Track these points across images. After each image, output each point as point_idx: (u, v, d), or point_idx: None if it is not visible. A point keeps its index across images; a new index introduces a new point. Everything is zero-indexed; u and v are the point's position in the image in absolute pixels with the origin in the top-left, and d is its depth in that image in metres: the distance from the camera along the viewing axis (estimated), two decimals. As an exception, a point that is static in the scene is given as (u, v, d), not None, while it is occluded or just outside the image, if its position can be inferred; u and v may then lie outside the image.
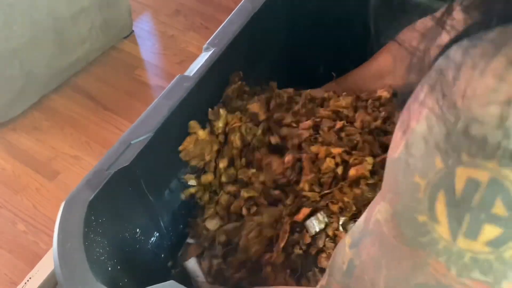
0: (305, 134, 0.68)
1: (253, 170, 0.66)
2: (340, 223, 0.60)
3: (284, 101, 0.74)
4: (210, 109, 0.68)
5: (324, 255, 0.59)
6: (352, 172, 0.62)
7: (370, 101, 0.72)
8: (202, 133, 0.64)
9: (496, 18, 0.23)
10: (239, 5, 0.73)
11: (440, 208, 0.24)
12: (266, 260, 0.61)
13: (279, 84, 0.77)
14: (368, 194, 0.61)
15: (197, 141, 0.64)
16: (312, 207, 0.62)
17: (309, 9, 0.81)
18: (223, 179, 0.67)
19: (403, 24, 0.31)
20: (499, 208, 0.22)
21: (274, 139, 0.69)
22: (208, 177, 0.67)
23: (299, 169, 0.65)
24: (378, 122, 0.68)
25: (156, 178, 0.62)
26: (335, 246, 0.59)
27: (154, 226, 0.64)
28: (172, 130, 0.61)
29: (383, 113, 0.69)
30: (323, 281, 0.41)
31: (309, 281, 0.59)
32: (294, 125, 0.70)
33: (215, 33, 0.69)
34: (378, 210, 0.30)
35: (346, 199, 0.61)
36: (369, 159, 0.63)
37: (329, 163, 0.63)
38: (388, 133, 0.68)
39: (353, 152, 0.65)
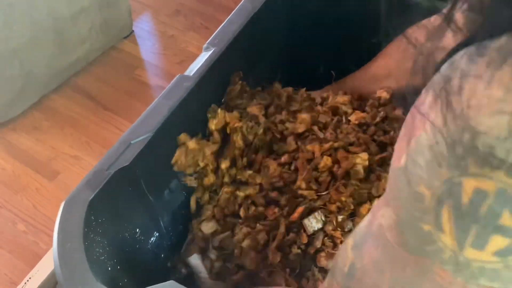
0: (301, 128, 0.68)
1: (250, 172, 0.66)
2: (338, 221, 0.60)
3: (283, 101, 0.74)
4: (212, 105, 0.68)
5: (323, 254, 0.59)
6: (340, 171, 0.62)
7: (370, 101, 0.72)
8: (191, 143, 0.63)
9: (502, 24, 0.22)
10: (239, 5, 0.73)
11: (446, 218, 0.24)
12: (263, 263, 0.61)
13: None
14: (363, 191, 0.62)
15: (187, 151, 0.64)
16: (309, 205, 0.62)
17: (309, 9, 0.81)
18: (226, 179, 0.67)
19: (413, 22, 0.31)
20: (506, 219, 0.22)
21: (276, 133, 0.69)
22: (210, 179, 0.67)
23: (295, 168, 0.66)
24: (376, 120, 0.68)
25: (156, 178, 0.62)
26: (333, 245, 0.59)
27: (154, 226, 0.64)
28: (172, 130, 0.61)
29: (381, 113, 0.69)
30: (325, 282, 0.41)
31: (308, 280, 0.59)
32: (291, 119, 0.70)
33: (215, 33, 0.69)
34: (381, 215, 0.30)
35: (343, 198, 0.61)
36: (363, 155, 0.63)
37: (326, 161, 0.63)
38: (387, 132, 0.68)
39: (349, 147, 0.65)
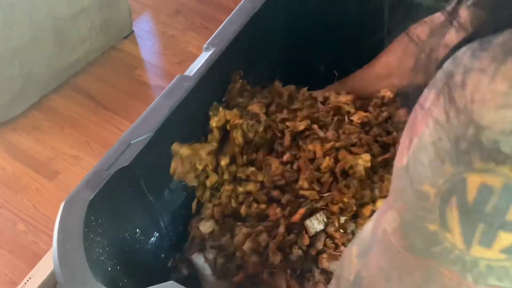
0: (302, 126, 0.68)
1: (252, 169, 0.66)
2: (340, 222, 0.60)
3: (285, 101, 0.74)
4: (214, 103, 0.68)
5: (325, 255, 0.59)
6: (336, 169, 0.62)
7: (374, 100, 0.71)
8: (184, 150, 0.63)
9: (506, 20, 0.22)
10: (239, 5, 0.73)
11: (452, 216, 0.23)
12: (264, 264, 0.61)
13: (279, 84, 0.77)
14: (365, 191, 0.61)
15: (182, 159, 0.63)
16: (311, 206, 0.62)
17: (309, 9, 0.81)
18: (225, 176, 0.67)
19: (415, 20, 0.31)
20: None
21: (277, 132, 0.69)
22: (212, 179, 0.66)
23: (297, 167, 0.65)
24: (379, 121, 0.68)
25: (156, 178, 0.62)
26: (335, 247, 0.59)
27: (154, 226, 0.64)
28: (172, 130, 0.61)
29: (385, 113, 0.69)
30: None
31: (309, 281, 0.59)
32: (292, 118, 0.70)
33: (215, 33, 0.69)
34: (385, 220, 0.29)
35: (346, 199, 0.60)
36: (365, 156, 0.62)
37: (328, 161, 0.63)
38: (390, 133, 0.68)
39: (351, 148, 0.64)
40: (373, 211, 0.60)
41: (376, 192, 0.62)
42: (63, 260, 0.47)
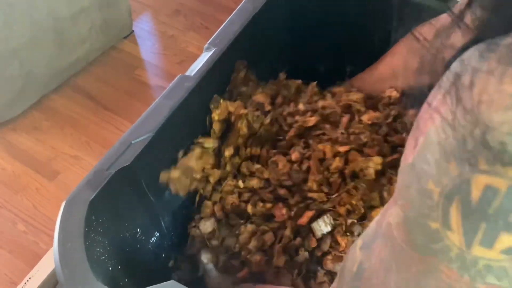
0: (311, 122, 0.67)
1: (258, 166, 0.65)
2: (347, 225, 0.59)
3: (292, 93, 0.73)
4: (215, 96, 0.67)
5: (329, 257, 0.58)
6: (346, 171, 0.61)
7: (383, 99, 0.70)
8: (174, 174, 0.62)
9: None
10: (240, 5, 0.73)
11: (455, 215, 0.23)
12: (269, 263, 0.61)
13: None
14: (374, 194, 0.61)
15: (177, 181, 0.63)
16: (318, 208, 0.61)
17: (309, 9, 0.81)
18: (228, 168, 0.66)
19: (419, 21, 0.31)
20: None
21: (284, 126, 0.68)
22: (215, 176, 0.66)
23: (306, 167, 0.64)
24: (389, 120, 0.67)
25: (157, 178, 0.62)
26: (340, 248, 0.59)
27: (154, 226, 0.64)
28: (173, 130, 0.61)
29: (393, 111, 0.68)
30: (334, 283, 0.40)
31: (315, 281, 0.59)
32: (300, 113, 0.69)
33: (216, 33, 0.69)
34: (390, 214, 0.30)
35: (354, 201, 0.60)
36: (376, 159, 0.62)
37: (338, 162, 0.62)
38: (398, 132, 0.67)
39: (363, 149, 0.63)
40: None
41: (385, 194, 0.61)
42: (64, 259, 0.47)
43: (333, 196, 0.61)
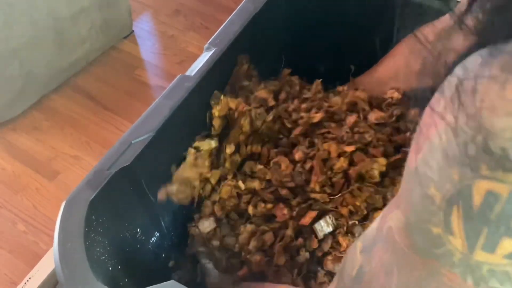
0: (316, 118, 0.66)
1: (260, 166, 0.65)
2: (349, 225, 0.59)
3: (296, 90, 0.73)
4: (215, 92, 0.67)
5: (330, 257, 0.58)
6: (352, 172, 0.61)
7: (386, 100, 0.70)
8: (170, 188, 0.62)
9: None
10: (240, 5, 0.73)
11: (456, 221, 0.24)
12: (269, 263, 0.61)
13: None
14: (378, 196, 0.60)
15: (178, 193, 0.63)
16: (321, 208, 0.61)
17: (309, 9, 0.81)
18: (227, 165, 0.66)
19: (419, 22, 0.31)
20: None
21: (288, 123, 0.67)
22: (215, 176, 0.66)
23: (309, 167, 0.63)
24: (392, 120, 0.67)
25: (157, 178, 0.62)
26: (341, 248, 0.59)
27: (154, 226, 0.64)
28: (173, 130, 0.61)
29: (396, 111, 0.68)
30: (332, 285, 0.40)
31: (316, 281, 0.59)
32: (305, 107, 0.68)
33: (216, 33, 0.69)
34: (391, 218, 0.30)
35: (357, 203, 0.59)
36: (381, 160, 0.61)
37: (342, 162, 0.61)
38: (402, 132, 0.67)
39: (368, 148, 0.63)
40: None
41: (388, 196, 0.61)
42: (64, 259, 0.47)
43: (336, 196, 0.61)
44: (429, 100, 0.26)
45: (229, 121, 0.67)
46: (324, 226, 0.59)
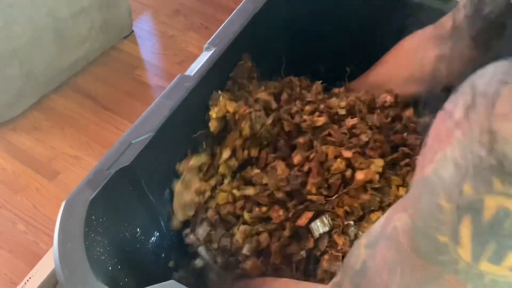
0: (320, 122, 0.66)
1: (257, 171, 0.65)
2: (344, 225, 0.59)
3: (297, 91, 0.72)
4: (214, 93, 0.67)
5: (326, 257, 0.58)
6: (360, 176, 0.60)
7: (381, 102, 0.70)
8: (176, 222, 0.63)
9: None
10: (240, 5, 0.73)
11: (465, 232, 0.24)
12: (266, 264, 0.61)
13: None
14: (376, 199, 0.60)
15: (182, 217, 0.64)
16: (317, 209, 0.61)
17: (310, 9, 0.81)
18: (221, 169, 0.65)
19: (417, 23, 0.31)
20: None
21: (287, 126, 0.67)
22: (211, 184, 0.66)
23: (307, 169, 0.63)
24: (388, 120, 0.67)
25: (157, 178, 0.62)
26: (338, 248, 0.59)
27: (154, 226, 0.64)
28: (173, 130, 0.61)
29: (391, 112, 0.68)
30: (336, 278, 0.41)
31: (315, 278, 0.59)
32: (308, 110, 0.68)
33: (216, 33, 0.69)
34: (397, 218, 0.30)
35: (355, 204, 0.59)
36: (378, 161, 0.61)
37: (339, 164, 0.61)
38: (398, 132, 0.67)
39: (365, 150, 0.63)
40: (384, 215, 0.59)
41: (385, 198, 0.60)
42: (64, 259, 0.47)
43: (332, 198, 0.61)
44: (437, 105, 0.27)
45: (227, 123, 0.67)
46: (320, 226, 0.59)
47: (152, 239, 0.64)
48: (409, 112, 0.68)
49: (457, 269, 0.25)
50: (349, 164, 0.62)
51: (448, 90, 0.27)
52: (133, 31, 1.39)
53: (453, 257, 0.25)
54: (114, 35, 1.33)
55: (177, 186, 0.64)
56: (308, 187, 0.61)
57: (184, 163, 0.64)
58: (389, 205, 0.60)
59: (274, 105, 0.67)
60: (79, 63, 1.26)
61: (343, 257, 0.58)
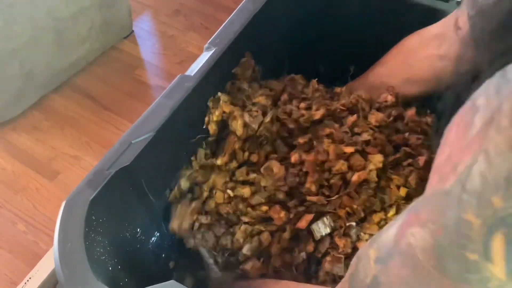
0: (317, 115, 0.66)
1: (254, 175, 0.63)
2: (346, 226, 0.59)
3: (298, 90, 0.72)
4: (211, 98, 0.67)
5: (328, 258, 0.58)
6: (354, 178, 0.60)
7: (383, 102, 0.70)
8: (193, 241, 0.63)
9: None
10: (240, 5, 0.73)
11: (497, 248, 0.23)
12: (267, 265, 0.60)
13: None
14: (376, 199, 0.60)
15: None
16: (318, 210, 0.60)
17: (310, 10, 0.81)
18: (222, 174, 0.65)
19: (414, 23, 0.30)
20: None
21: (289, 122, 0.66)
22: (210, 184, 0.66)
23: (306, 169, 0.62)
24: (390, 119, 0.66)
25: (157, 178, 0.62)
26: (338, 249, 0.58)
27: (154, 226, 0.64)
28: (173, 130, 0.61)
29: (394, 112, 0.68)
30: (340, 286, 0.40)
31: (317, 280, 0.59)
32: (304, 106, 0.68)
33: (216, 33, 0.69)
34: (411, 234, 0.29)
35: (355, 206, 0.59)
36: (377, 157, 0.61)
37: (341, 165, 0.60)
38: (400, 132, 0.67)
39: (366, 148, 0.62)
40: (383, 220, 0.59)
41: (386, 199, 0.60)
42: (64, 259, 0.47)
43: (333, 198, 0.60)
44: (439, 105, 0.26)
45: (226, 125, 0.67)
46: (322, 227, 0.59)
47: (152, 239, 0.64)
48: (411, 112, 0.68)
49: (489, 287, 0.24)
50: (350, 166, 0.61)
51: (452, 91, 0.26)
52: (133, 31, 1.39)
53: (485, 275, 0.24)
54: (114, 35, 1.33)
55: (173, 222, 0.64)
56: (307, 185, 0.61)
57: (176, 191, 0.65)
58: (391, 206, 0.60)
59: (271, 108, 0.67)
60: (79, 63, 1.26)
61: (345, 258, 0.57)
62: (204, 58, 0.66)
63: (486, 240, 0.23)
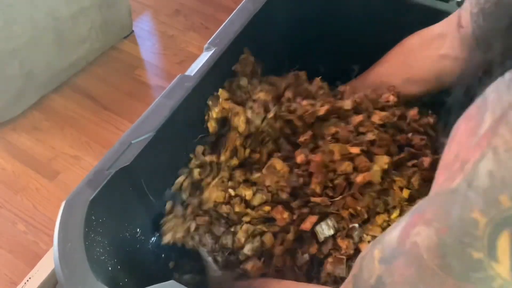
0: (322, 110, 0.65)
1: (258, 175, 0.63)
2: (349, 228, 0.59)
3: (303, 87, 0.71)
4: (210, 97, 0.67)
5: (330, 259, 0.57)
6: (358, 179, 0.59)
7: (386, 101, 0.69)
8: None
9: None
10: (240, 5, 0.73)
11: (503, 248, 0.23)
12: (268, 265, 0.60)
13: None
14: (378, 200, 0.60)
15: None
16: (321, 211, 0.60)
17: (309, 9, 0.81)
18: (223, 171, 0.64)
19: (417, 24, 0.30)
20: None
21: (295, 119, 0.65)
22: (210, 179, 0.65)
23: (310, 170, 0.62)
24: (394, 119, 0.66)
25: (157, 178, 0.62)
26: (342, 251, 0.58)
27: (154, 226, 0.64)
28: (173, 130, 0.61)
29: (397, 111, 0.67)
30: (344, 286, 0.40)
31: (318, 281, 0.59)
32: (307, 102, 0.67)
33: (216, 33, 0.69)
34: (417, 233, 0.29)
35: (358, 207, 0.58)
36: (383, 158, 0.60)
37: (347, 166, 0.60)
38: (403, 131, 0.67)
39: (372, 148, 0.62)
40: (386, 222, 0.59)
41: (390, 200, 0.60)
42: (64, 259, 0.47)
43: (337, 199, 0.60)
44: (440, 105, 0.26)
45: (226, 123, 0.66)
46: (326, 229, 0.59)
47: (152, 239, 0.64)
48: (413, 112, 0.67)
49: (493, 287, 0.24)
50: (355, 166, 0.61)
51: (459, 89, 0.26)
52: (133, 31, 1.39)
53: (489, 274, 0.24)
54: (114, 35, 1.33)
55: (165, 237, 0.63)
56: (312, 186, 0.60)
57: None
58: (394, 207, 0.60)
59: (272, 105, 0.66)
60: (79, 63, 1.26)
61: (347, 260, 0.57)
62: (204, 58, 0.66)
63: (491, 239, 0.23)
